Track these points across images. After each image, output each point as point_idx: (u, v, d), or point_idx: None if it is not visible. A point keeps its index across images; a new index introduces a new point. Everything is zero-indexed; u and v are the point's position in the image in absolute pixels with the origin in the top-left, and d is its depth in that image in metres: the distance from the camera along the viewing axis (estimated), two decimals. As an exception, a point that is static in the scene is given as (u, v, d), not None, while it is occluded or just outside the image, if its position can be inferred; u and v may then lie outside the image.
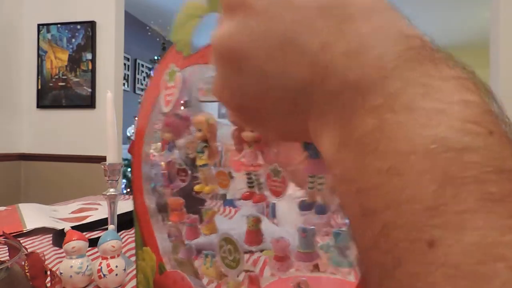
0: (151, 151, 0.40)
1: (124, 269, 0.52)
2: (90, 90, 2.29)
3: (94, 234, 0.79)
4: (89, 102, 2.30)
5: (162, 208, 0.39)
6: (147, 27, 3.86)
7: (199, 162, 0.34)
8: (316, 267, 0.27)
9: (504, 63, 1.89)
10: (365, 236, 0.14)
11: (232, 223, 0.36)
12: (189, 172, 0.37)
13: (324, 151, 0.16)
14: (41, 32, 2.36)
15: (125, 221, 0.80)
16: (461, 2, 3.32)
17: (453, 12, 3.53)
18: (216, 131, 0.33)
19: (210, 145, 0.33)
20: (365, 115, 0.14)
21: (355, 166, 0.14)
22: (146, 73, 4.08)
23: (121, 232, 0.79)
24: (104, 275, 0.50)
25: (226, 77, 0.19)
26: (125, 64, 3.61)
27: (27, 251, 0.42)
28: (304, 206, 0.25)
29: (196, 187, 0.35)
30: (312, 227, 0.27)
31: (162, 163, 0.39)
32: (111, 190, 0.61)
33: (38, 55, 2.38)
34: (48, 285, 0.43)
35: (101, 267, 0.50)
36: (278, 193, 0.28)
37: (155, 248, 0.38)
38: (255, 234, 0.30)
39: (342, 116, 0.15)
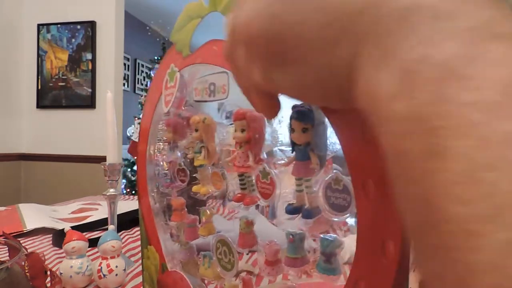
0: (154, 151, 0.40)
1: (124, 269, 0.52)
2: (90, 90, 2.29)
3: (94, 234, 0.79)
4: (89, 102, 2.30)
5: (165, 208, 0.39)
6: (147, 27, 3.86)
7: (196, 163, 0.34)
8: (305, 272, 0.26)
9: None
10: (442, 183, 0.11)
11: (230, 224, 0.36)
12: (188, 172, 0.37)
13: (376, 90, 0.13)
14: (41, 32, 2.36)
15: (125, 221, 0.80)
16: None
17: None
18: (213, 131, 0.33)
19: (207, 145, 0.33)
20: (447, 39, 0.12)
21: (430, 100, 0.11)
22: (146, 73, 4.08)
23: (121, 232, 0.79)
24: (104, 275, 0.50)
25: (265, 2, 0.17)
26: (125, 64, 3.61)
27: (27, 251, 0.42)
28: (291, 210, 0.24)
29: (194, 188, 0.35)
30: (300, 231, 0.26)
31: (163, 163, 0.39)
32: (111, 190, 0.61)
33: (38, 55, 2.38)
34: (48, 285, 0.43)
35: (101, 267, 0.50)
36: (267, 196, 0.27)
37: (158, 247, 0.39)
38: (247, 237, 0.30)
39: (411, 42, 0.13)
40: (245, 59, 0.19)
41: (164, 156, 0.38)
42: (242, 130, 0.28)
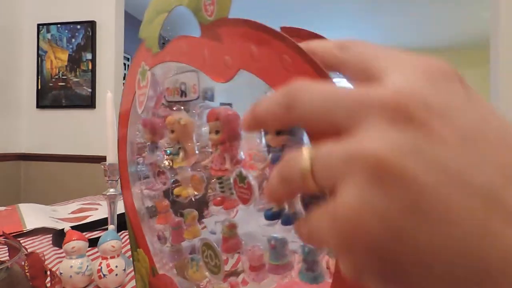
0: (134, 152, 0.38)
1: (124, 269, 0.52)
2: (90, 90, 2.29)
3: (94, 234, 0.79)
4: (89, 102, 2.30)
5: (150, 210, 0.38)
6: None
7: (175, 165, 0.32)
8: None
9: (504, 63, 1.89)
10: None
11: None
12: (168, 175, 0.35)
13: None
14: (41, 32, 2.36)
15: (125, 221, 0.80)
16: (461, 2, 3.32)
17: (453, 12, 3.53)
18: (190, 131, 0.31)
19: (184, 146, 0.31)
20: None
21: None
22: (146, 73, 4.08)
23: (121, 232, 0.79)
24: (104, 275, 0.50)
25: (377, 198, 0.13)
26: (125, 64, 3.60)
27: (27, 251, 0.42)
28: (271, 216, 0.23)
29: (175, 190, 0.33)
30: (282, 236, 0.25)
31: (144, 164, 0.37)
32: (111, 190, 0.61)
33: (38, 55, 2.37)
34: (48, 285, 0.43)
35: (101, 267, 0.50)
36: (245, 200, 0.25)
37: (146, 250, 0.38)
38: (231, 241, 0.28)
39: None
40: (344, 260, 0.14)
41: (145, 158, 0.37)
42: (217, 132, 0.26)
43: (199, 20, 0.26)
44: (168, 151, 0.33)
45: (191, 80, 0.29)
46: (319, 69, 0.18)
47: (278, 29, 0.21)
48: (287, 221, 0.22)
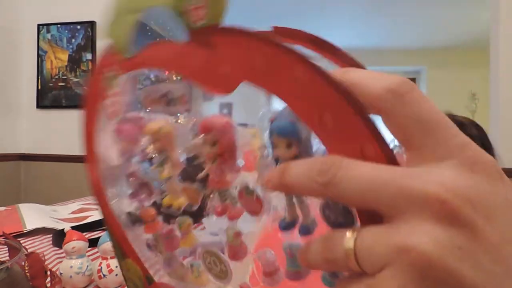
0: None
1: (124, 269, 0.52)
2: (90, 90, 2.29)
3: (94, 234, 0.79)
4: (89, 102, 2.30)
5: (136, 220, 0.35)
6: (147, 27, 3.86)
7: (162, 176, 0.30)
8: None
9: (504, 63, 1.89)
10: None
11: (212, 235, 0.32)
12: (153, 186, 0.33)
13: None
14: (41, 32, 2.36)
15: (125, 221, 0.80)
16: (461, 2, 3.32)
17: (453, 12, 3.53)
18: (173, 138, 0.29)
19: (170, 155, 0.29)
20: None
21: None
22: (146, 73, 4.08)
23: (121, 232, 0.79)
24: (104, 275, 0.50)
25: None
26: (125, 64, 3.61)
27: (27, 251, 0.42)
28: (286, 226, 0.22)
29: (165, 200, 0.31)
30: (299, 243, 0.23)
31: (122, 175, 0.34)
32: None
33: (38, 55, 2.38)
34: (48, 285, 0.43)
35: (101, 267, 0.50)
36: (255, 213, 0.25)
37: (137, 260, 0.35)
38: (237, 249, 0.27)
39: None
40: None
41: (121, 169, 0.33)
42: (213, 143, 0.25)
43: (186, 24, 0.23)
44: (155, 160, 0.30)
45: (178, 90, 0.28)
46: (324, 76, 0.16)
47: (270, 29, 0.19)
48: (306, 231, 0.22)
